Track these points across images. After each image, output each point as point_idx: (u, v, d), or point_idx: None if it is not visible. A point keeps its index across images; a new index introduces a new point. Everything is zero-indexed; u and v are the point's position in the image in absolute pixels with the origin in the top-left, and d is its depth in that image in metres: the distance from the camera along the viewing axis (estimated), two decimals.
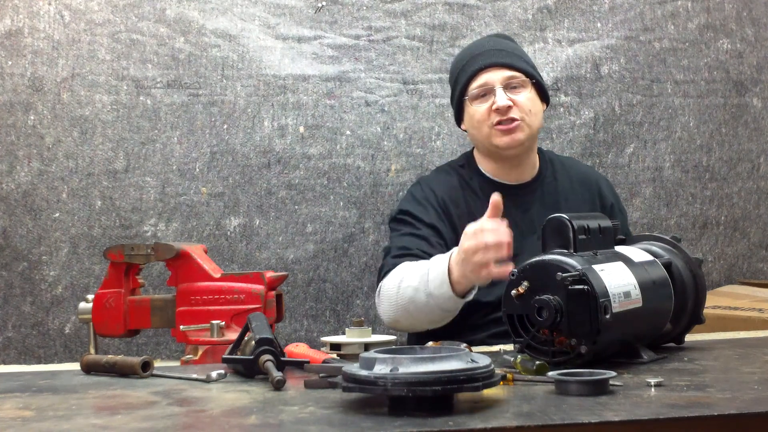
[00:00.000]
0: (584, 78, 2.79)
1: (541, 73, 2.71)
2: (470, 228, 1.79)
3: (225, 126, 2.60)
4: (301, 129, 2.63)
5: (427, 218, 2.13)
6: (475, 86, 2.17)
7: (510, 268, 1.58)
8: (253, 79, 2.62)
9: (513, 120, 2.13)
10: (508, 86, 2.15)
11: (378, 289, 2.08)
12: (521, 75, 2.17)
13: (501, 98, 2.12)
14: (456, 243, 1.92)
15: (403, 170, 2.67)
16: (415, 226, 2.13)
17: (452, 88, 2.28)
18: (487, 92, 2.15)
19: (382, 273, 2.09)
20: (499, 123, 2.13)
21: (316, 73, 2.65)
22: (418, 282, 1.94)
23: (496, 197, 1.79)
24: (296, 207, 2.61)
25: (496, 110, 2.12)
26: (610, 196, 2.28)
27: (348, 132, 2.66)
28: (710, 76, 2.88)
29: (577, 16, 2.82)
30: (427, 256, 2.02)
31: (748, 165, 2.91)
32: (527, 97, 2.16)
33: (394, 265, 2.05)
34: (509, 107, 2.12)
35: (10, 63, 2.52)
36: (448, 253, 1.91)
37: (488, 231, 1.76)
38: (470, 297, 1.92)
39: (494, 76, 2.15)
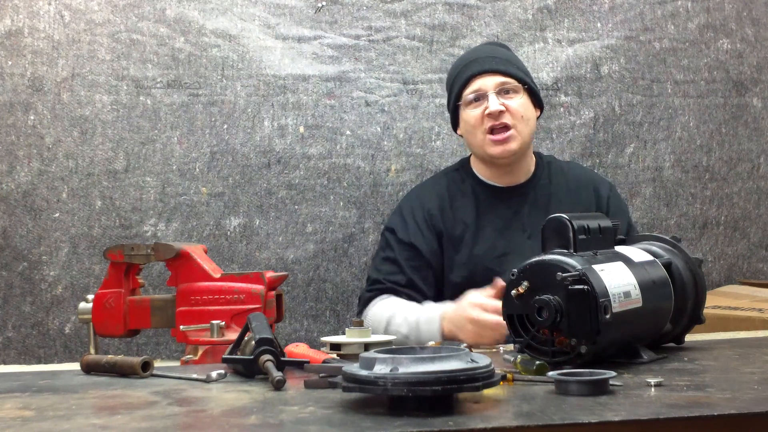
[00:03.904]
0: (584, 78, 2.79)
1: (541, 73, 2.73)
2: (474, 298, 1.89)
3: (225, 126, 2.60)
4: (301, 129, 2.63)
5: (406, 236, 2.23)
6: (468, 92, 2.22)
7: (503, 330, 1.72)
8: (253, 79, 2.62)
9: (505, 126, 2.17)
10: (501, 92, 2.20)
11: (363, 318, 2.18)
12: (514, 81, 2.21)
13: (493, 103, 2.17)
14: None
15: (403, 170, 2.67)
16: (392, 248, 2.24)
17: (448, 94, 2.34)
18: (480, 97, 2.20)
19: (361, 302, 2.23)
20: (492, 129, 2.18)
21: (316, 73, 2.65)
22: (408, 330, 2.04)
23: (500, 283, 1.86)
24: (296, 207, 2.61)
25: (489, 115, 2.17)
26: (607, 198, 2.29)
27: (348, 132, 2.66)
28: (710, 76, 2.88)
29: (577, 16, 2.82)
30: (396, 286, 2.17)
31: (748, 165, 2.91)
32: (520, 102, 2.20)
33: (370, 299, 2.18)
34: (501, 112, 2.17)
35: (10, 63, 2.52)
36: (439, 311, 2.00)
37: (490, 311, 1.84)
38: None
39: (487, 82, 2.20)
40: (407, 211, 2.28)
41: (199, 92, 2.60)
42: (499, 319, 1.68)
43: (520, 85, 2.21)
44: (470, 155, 2.36)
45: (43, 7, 2.55)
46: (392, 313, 2.09)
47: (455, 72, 2.29)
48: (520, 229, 2.20)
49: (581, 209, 2.21)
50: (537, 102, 2.27)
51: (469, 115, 2.21)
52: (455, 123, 2.30)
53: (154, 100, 2.58)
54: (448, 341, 1.90)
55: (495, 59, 2.24)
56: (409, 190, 2.45)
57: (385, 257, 2.24)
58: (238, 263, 2.57)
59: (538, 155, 2.34)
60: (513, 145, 2.18)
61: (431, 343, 1.70)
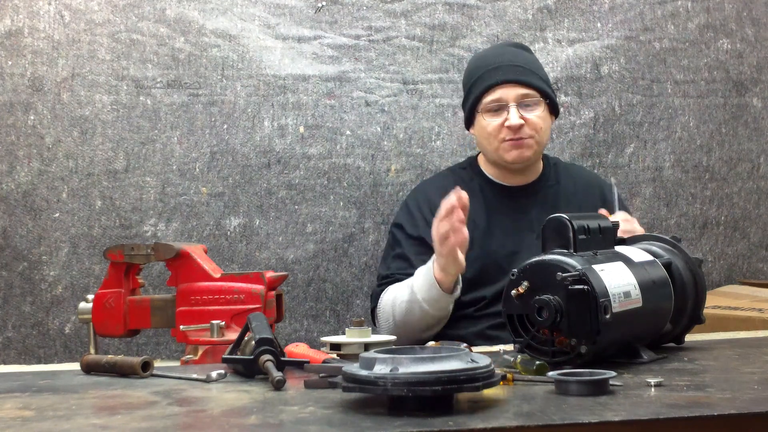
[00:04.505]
0: (584, 78, 2.79)
1: None
2: (433, 229, 1.95)
3: (225, 126, 2.60)
4: (301, 129, 2.63)
5: (415, 231, 2.22)
6: (488, 100, 2.20)
7: (464, 234, 1.88)
8: (253, 79, 2.62)
9: (523, 137, 2.18)
10: (522, 104, 2.19)
11: (375, 316, 2.20)
12: (536, 94, 2.20)
13: (514, 117, 2.16)
14: None
15: (403, 170, 2.67)
16: (401, 244, 2.24)
17: (465, 93, 2.31)
18: (500, 108, 2.19)
19: (373, 300, 2.24)
20: (509, 138, 2.18)
21: (316, 73, 2.65)
22: (409, 296, 2.06)
23: (461, 197, 1.91)
24: (296, 207, 2.61)
25: (508, 127, 2.17)
26: (613, 200, 2.29)
27: (348, 132, 2.66)
28: (710, 76, 2.88)
29: (577, 16, 2.82)
30: (408, 276, 2.15)
31: (748, 165, 2.91)
32: (539, 115, 2.20)
33: (380, 293, 2.19)
34: (521, 126, 2.17)
35: (10, 63, 2.52)
36: (430, 261, 2.03)
37: (440, 221, 1.91)
38: (457, 292, 2.05)
39: (509, 94, 2.19)
40: (414, 206, 2.27)
41: (199, 92, 2.60)
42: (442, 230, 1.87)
43: (541, 99, 2.21)
44: (477, 154, 2.36)
45: (43, 7, 2.54)
46: (395, 293, 2.12)
47: (476, 74, 2.25)
48: (529, 229, 2.19)
49: (588, 209, 2.22)
50: (554, 109, 2.27)
51: (487, 122, 2.20)
52: (469, 122, 2.29)
53: (154, 100, 2.58)
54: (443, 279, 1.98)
55: (518, 68, 2.22)
56: (413, 187, 2.45)
57: (395, 254, 2.23)
58: (238, 263, 2.57)
59: (544, 156, 2.35)
60: (528, 152, 2.19)
61: (431, 343, 1.70)
